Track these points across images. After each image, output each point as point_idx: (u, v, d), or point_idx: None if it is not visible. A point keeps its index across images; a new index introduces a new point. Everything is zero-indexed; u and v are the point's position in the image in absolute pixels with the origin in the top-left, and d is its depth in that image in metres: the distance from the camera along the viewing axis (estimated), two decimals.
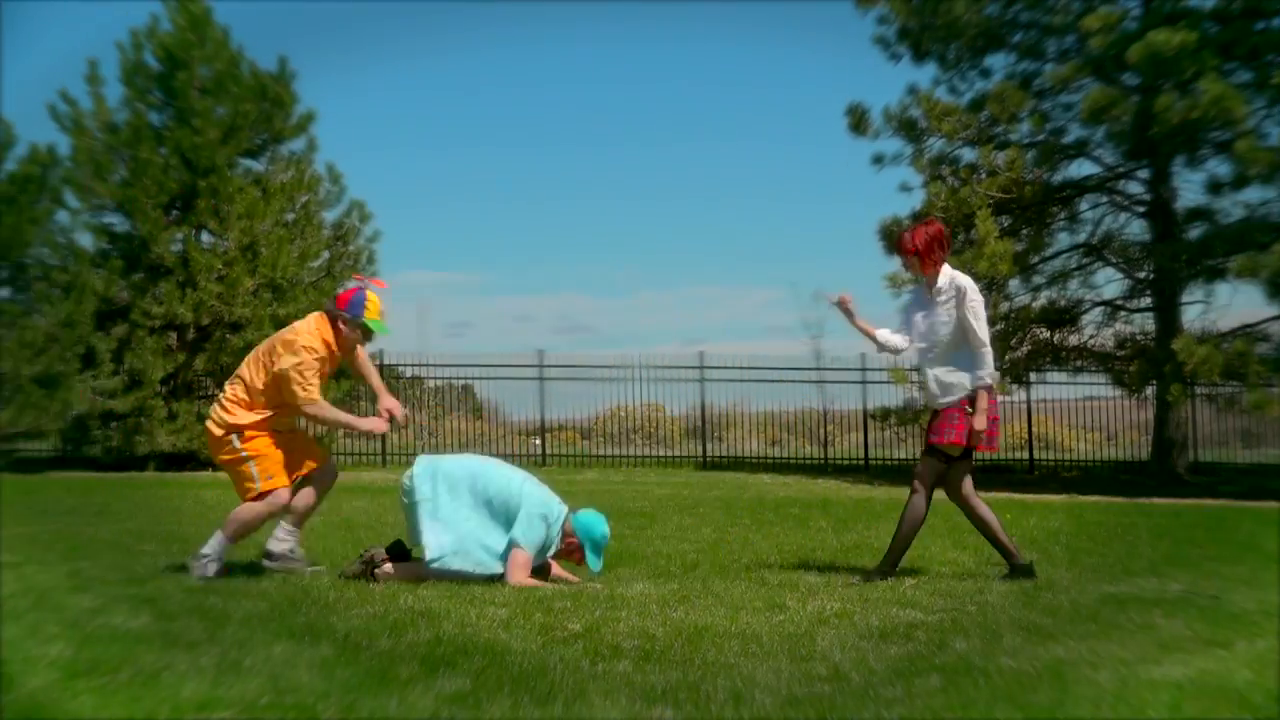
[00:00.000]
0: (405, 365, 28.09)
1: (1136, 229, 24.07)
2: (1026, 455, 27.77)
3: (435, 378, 29.82)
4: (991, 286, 22.52)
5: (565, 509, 7.91)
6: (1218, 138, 20.51)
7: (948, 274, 8.09)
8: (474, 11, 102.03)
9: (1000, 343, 22.77)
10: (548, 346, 27.38)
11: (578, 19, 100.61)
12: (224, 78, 23.21)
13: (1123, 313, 24.21)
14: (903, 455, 28.08)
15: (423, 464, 7.85)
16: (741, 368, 27.98)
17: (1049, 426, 30.33)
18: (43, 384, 20.56)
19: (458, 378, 29.92)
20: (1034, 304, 23.70)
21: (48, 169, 21.63)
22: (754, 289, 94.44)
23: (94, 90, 23.15)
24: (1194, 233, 22.22)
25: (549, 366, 27.35)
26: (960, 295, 7.96)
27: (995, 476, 23.86)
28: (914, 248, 8.08)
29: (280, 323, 22.27)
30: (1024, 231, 23.41)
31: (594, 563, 7.88)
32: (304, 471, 8.08)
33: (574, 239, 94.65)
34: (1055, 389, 27.73)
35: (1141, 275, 23.72)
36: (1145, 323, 23.89)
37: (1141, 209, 23.57)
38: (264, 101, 23.70)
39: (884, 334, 8.34)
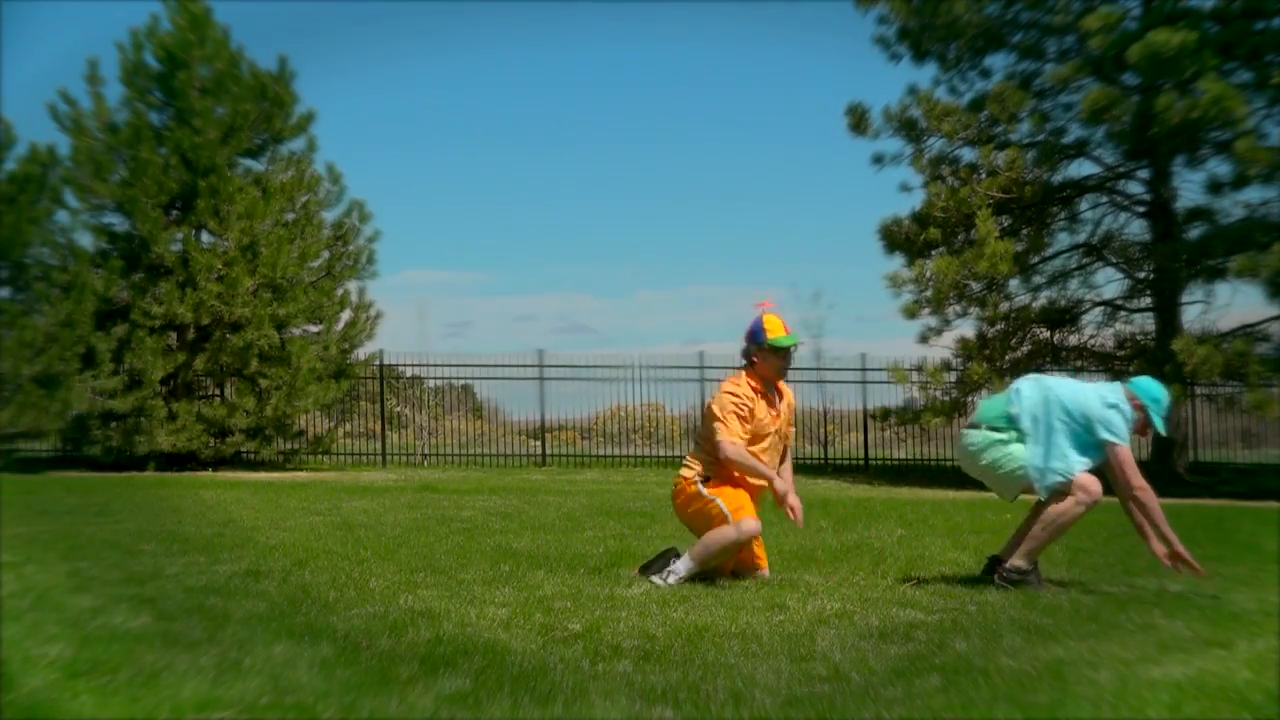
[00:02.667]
0: (405, 365, 28.11)
1: (1136, 229, 24.10)
2: None
3: (435, 378, 29.88)
4: (991, 286, 22.54)
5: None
6: (1218, 137, 20.51)
7: None
8: (475, 11, 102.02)
9: (1000, 343, 22.78)
10: (547, 346, 27.27)
11: (578, 19, 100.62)
12: (224, 78, 23.19)
13: (1123, 313, 24.22)
14: (903, 455, 28.09)
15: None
16: (741, 368, 27.93)
17: None
18: (42, 384, 20.55)
19: (457, 378, 29.94)
20: (1034, 304, 23.72)
21: (48, 169, 21.60)
22: (754, 289, 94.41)
23: (94, 90, 23.14)
24: (1194, 233, 22.23)
25: (549, 366, 27.36)
26: None
27: None
28: None
29: (280, 322, 22.36)
30: (1024, 231, 23.41)
31: (1161, 426, 7.75)
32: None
33: (574, 239, 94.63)
34: None
35: (1141, 275, 23.73)
36: (1145, 323, 23.92)
37: (1141, 209, 23.57)
38: (264, 101, 23.68)
39: None
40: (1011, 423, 7.62)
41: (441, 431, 30.31)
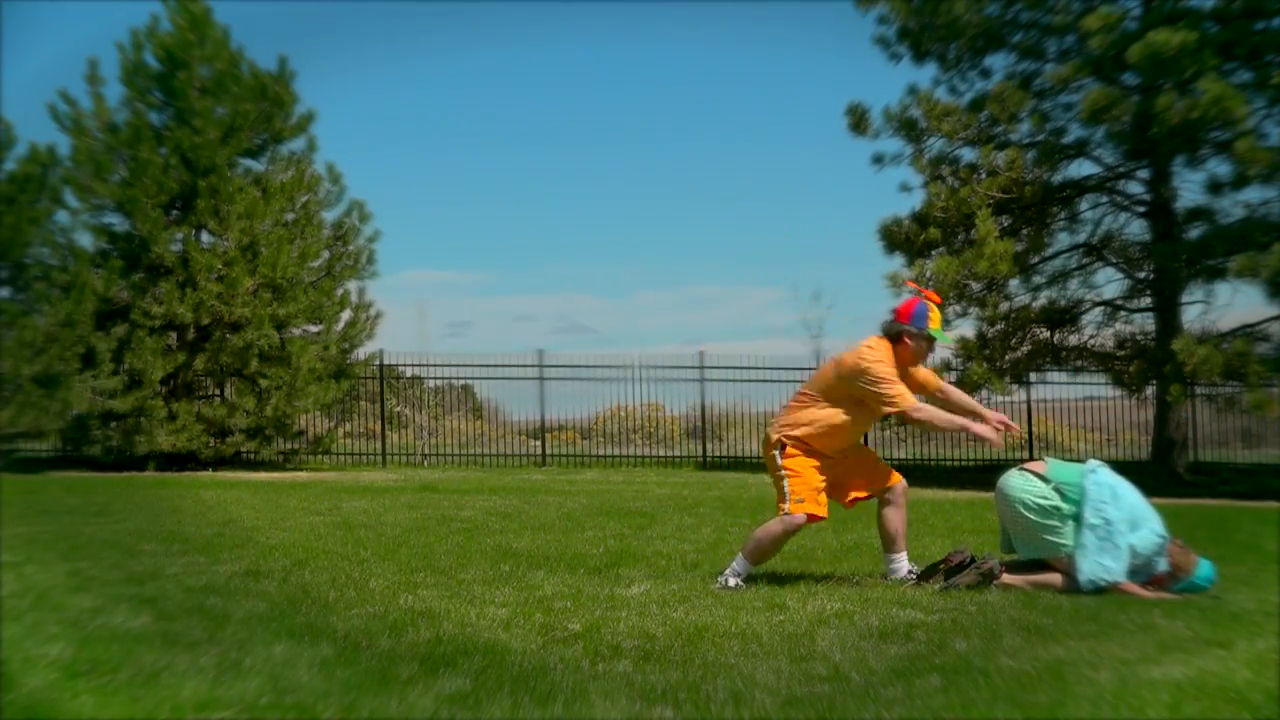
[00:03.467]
0: (405, 365, 28.13)
1: (1136, 229, 24.06)
2: (1028, 456, 27.73)
3: (435, 378, 29.90)
4: (991, 286, 22.52)
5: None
6: (1218, 137, 20.46)
7: None
8: (475, 11, 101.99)
9: (1000, 343, 22.75)
10: (547, 346, 27.32)
11: (578, 18, 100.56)
12: (224, 78, 23.21)
13: (1123, 313, 24.17)
14: (903, 455, 28.07)
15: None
16: (741, 367, 27.97)
17: (1049, 427, 30.32)
18: (42, 384, 20.57)
19: (458, 378, 29.96)
20: (1034, 304, 23.67)
21: (48, 169, 21.64)
22: (754, 289, 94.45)
23: (94, 90, 23.18)
24: (1194, 232, 22.19)
25: (549, 366, 27.37)
26: None
27: (997, 477, 23.88)
28: None
29: (280, 322, 22.36)
30: (1024, 231, 23.37)
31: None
32: (857, 495, 8.10)
33: (574, 239, 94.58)
34: (1055, 389, 27.75)
35: (1141, 275, 23.69)
36: (1145, 323, 23.86)
37: (1141, 209, 23.55)
38: (264, 101, 23.70)
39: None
40: (1080, 496, 7.59)
41: (441, 431, 30.31)
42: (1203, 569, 7.62)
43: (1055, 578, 7.55)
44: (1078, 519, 7.51)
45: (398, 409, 30.22)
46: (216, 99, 23.09)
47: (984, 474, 24.97)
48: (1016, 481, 7.81)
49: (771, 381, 27.95)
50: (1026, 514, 7.65)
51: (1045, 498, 7.62)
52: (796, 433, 7.82)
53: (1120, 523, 7.47)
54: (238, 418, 22.63)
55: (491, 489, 17.83)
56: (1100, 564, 7.40)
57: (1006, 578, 7.57)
